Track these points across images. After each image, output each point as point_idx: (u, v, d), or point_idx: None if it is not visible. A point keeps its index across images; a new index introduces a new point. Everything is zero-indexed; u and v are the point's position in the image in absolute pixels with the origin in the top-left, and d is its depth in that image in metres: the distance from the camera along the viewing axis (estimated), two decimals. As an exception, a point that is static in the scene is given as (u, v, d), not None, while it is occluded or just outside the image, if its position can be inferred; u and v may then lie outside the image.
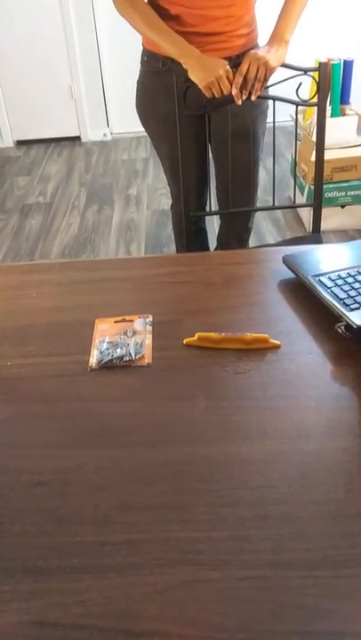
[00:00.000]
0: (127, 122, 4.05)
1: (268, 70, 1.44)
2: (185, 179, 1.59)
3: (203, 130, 1.61)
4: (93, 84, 3.99)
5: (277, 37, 1.47)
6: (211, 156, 1.74)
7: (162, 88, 1.57)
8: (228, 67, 1.39)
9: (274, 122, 1.57)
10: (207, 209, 1.76)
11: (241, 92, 1.43)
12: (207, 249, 1.99)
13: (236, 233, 1.87)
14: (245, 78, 1.41)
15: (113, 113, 4.13)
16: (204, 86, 1.40)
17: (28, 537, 0.66)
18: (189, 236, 1.81)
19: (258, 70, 1.41)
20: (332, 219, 2.67)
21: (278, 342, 0.90)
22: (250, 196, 1.75)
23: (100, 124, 4.14)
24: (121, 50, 3.81)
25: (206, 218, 1.96)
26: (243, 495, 0.68)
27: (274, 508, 0.66)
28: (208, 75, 1.38)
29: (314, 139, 1.62)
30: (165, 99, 1.54)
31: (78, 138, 4.16)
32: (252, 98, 1.45)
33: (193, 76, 1.40)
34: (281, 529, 0.64)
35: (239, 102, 1.46)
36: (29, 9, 3.69)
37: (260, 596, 0.59)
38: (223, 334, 0.91)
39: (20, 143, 4.15)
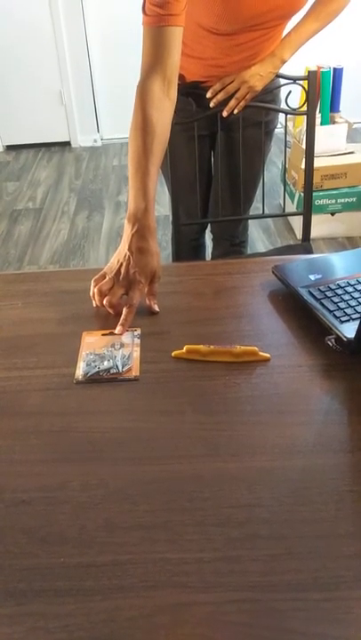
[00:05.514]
0: (117, 127, 4.05)
1: (251, 92, 1.44)
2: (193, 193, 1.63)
3: (208, 147, 1.64)
4: (83, 89, 3.98)
5: (278, 56, 1.42)
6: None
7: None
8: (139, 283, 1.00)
9: (263, 129, 1.56)
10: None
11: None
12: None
13: (231, 251, 1.86)
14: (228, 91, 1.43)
15: (103, 118, 4.12)
16: (97, 278, 1.02)
17: (10, 558, 0.64)
18: (190, 251, 1.82)
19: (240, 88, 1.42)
20: (322, 226, 2.67)
21: (268, 355, 0.89)
22: (241, 213, 1.73)
23: (90, 129, 4.12)
24: (111, 55, 3.81)
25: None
26: (232, 514, 0.67)
27: (263, 528, 0.65)
28: (112, 267, 1.02)
29: (304, 146, 1.61)
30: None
31: (68, 143, 4.15)
32: (226, 112, 1.46)
33: (120, 247, 1.04)
34: (271, 549, 0.63)
35: (225, 114, 1.47)
36: (19, 14, 3.68)
37: (249, 619, 0.57)
38: (212, 347, 0.90)
39: (9, 148, 4.13)
